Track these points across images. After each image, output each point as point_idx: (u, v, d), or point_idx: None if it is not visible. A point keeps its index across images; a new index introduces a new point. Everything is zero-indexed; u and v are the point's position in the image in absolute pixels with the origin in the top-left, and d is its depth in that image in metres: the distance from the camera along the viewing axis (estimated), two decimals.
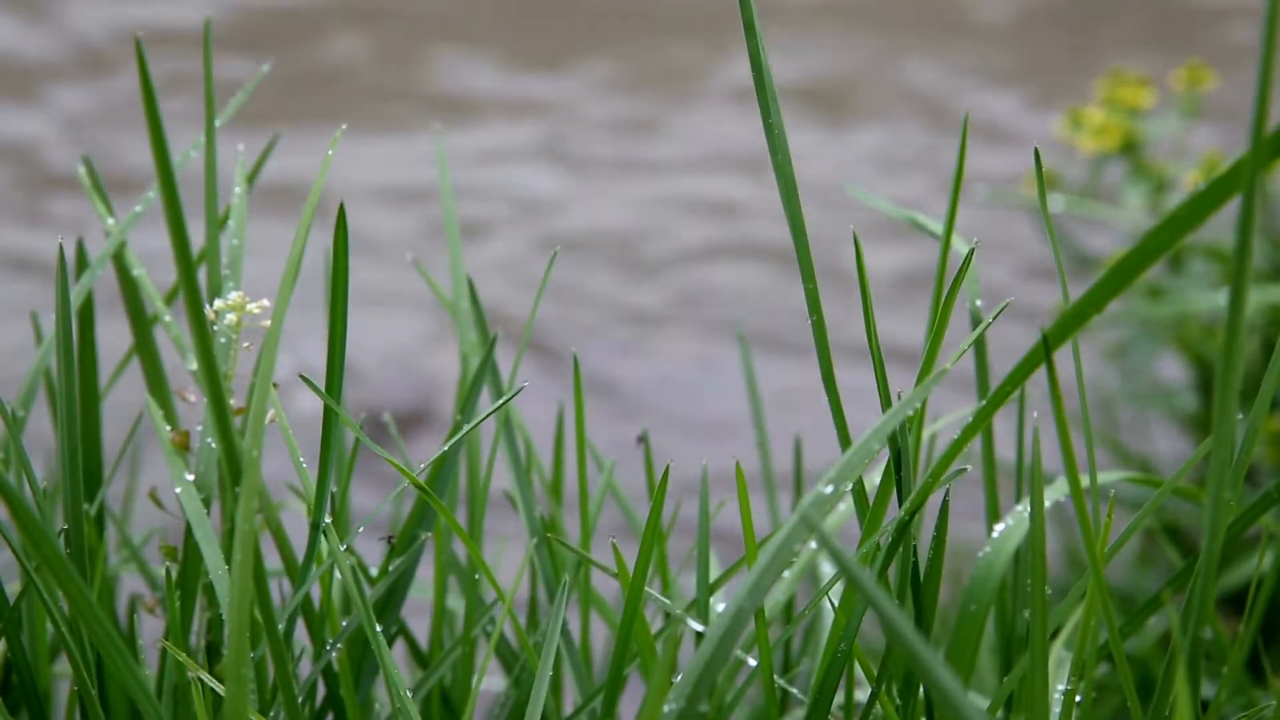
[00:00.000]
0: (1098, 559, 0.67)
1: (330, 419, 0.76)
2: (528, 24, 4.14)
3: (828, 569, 1.02)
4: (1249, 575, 1.47)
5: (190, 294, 0.60)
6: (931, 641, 0.71)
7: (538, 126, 3.52)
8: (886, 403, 0.70)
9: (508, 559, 1.63)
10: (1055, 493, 0.82)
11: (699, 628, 0.75)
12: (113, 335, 0.95)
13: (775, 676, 0.82)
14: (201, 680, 0.71)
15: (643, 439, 0.94)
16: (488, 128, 3.53)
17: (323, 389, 0.74)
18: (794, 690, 0.81)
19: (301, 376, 0.72)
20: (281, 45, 3.95)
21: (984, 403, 0.67)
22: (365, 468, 2.00)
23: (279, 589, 0.92)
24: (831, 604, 0.75)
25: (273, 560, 0.88)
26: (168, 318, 0.85)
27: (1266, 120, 0.51)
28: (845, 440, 0.72)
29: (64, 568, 0.63)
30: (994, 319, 0.70)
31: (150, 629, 0.85)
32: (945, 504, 0.72)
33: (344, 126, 0.83)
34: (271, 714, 0.77)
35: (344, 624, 0.78)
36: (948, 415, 0.92)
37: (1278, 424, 1.63)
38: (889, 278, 2.79)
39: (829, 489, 0.61)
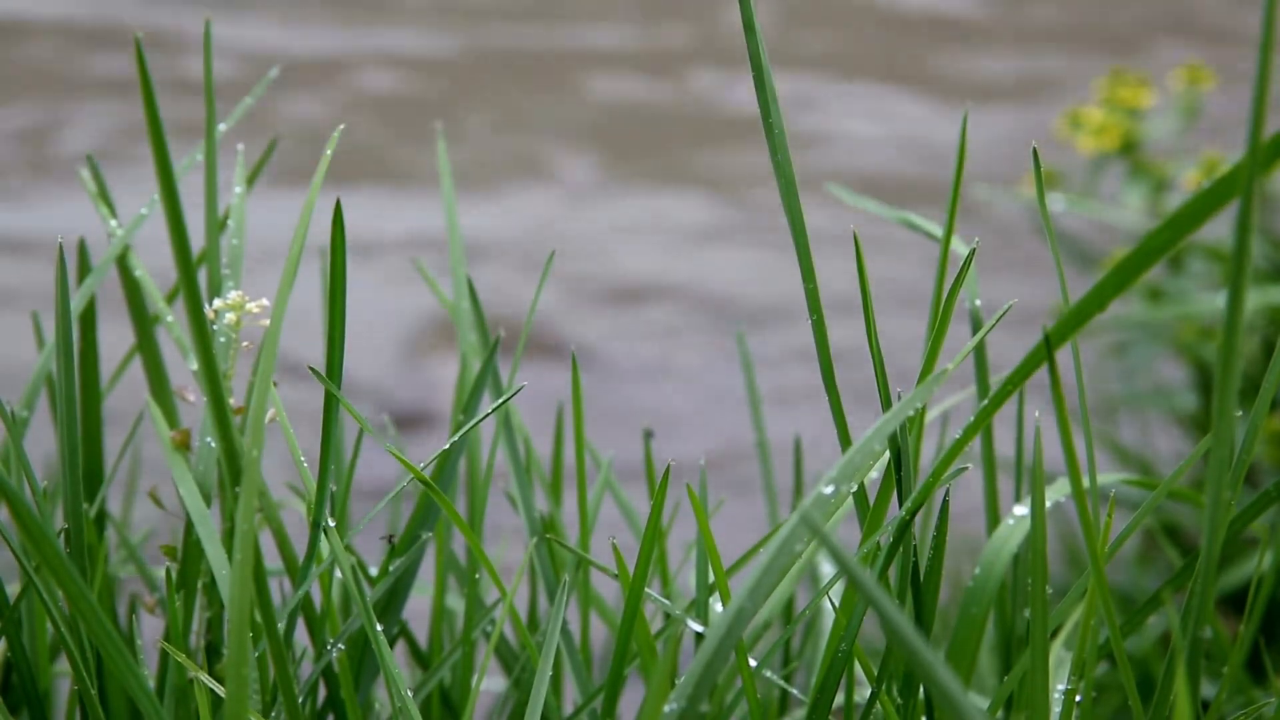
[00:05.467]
0: (1099, 558, 0.67)
1: (330, 417, 0.75)
2: None
3: (828, 569, 1.02)
4: (1249, 575, 1.47)
5: (190, 294, 0.60)
6: (931, 641, 0.71)
7: None
8: (886, 403, 0.70)
9: (507, 560, 1.63)
10: (1055, 492, 0.82)
11: (699, 628, 0.75)
12: (113, 335, 0.95)
13: (775, 676, 0.82)
14: (201, 680, 0.71)
15: (647, 434, 0.94)
16: None
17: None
18: (794, 690, 0.81)
19: (310, 368, 0.72)
20: None
21: (984, 403, 0.67)
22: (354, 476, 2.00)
23: (279, 589, 0.92)
24: (832, 604, 0.75)
25: (273, 560, 0.88)
26: (169, 318, 0.85)
27: (1264, 122, 0.51)
28: (845, 441, 0.72)
29: (64, 568, 0.63)
30: (996, 321, 0.70)
31: (150, 629, 0.85)
32: (945, 504, 0.72)
33: (342, 126, 0.82)
34: (272, 714, 0.77)
35: (344, 624, 0.78)
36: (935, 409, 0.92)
37: (1278, 424, 1.63)
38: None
39: (830, 489, 0.61)
